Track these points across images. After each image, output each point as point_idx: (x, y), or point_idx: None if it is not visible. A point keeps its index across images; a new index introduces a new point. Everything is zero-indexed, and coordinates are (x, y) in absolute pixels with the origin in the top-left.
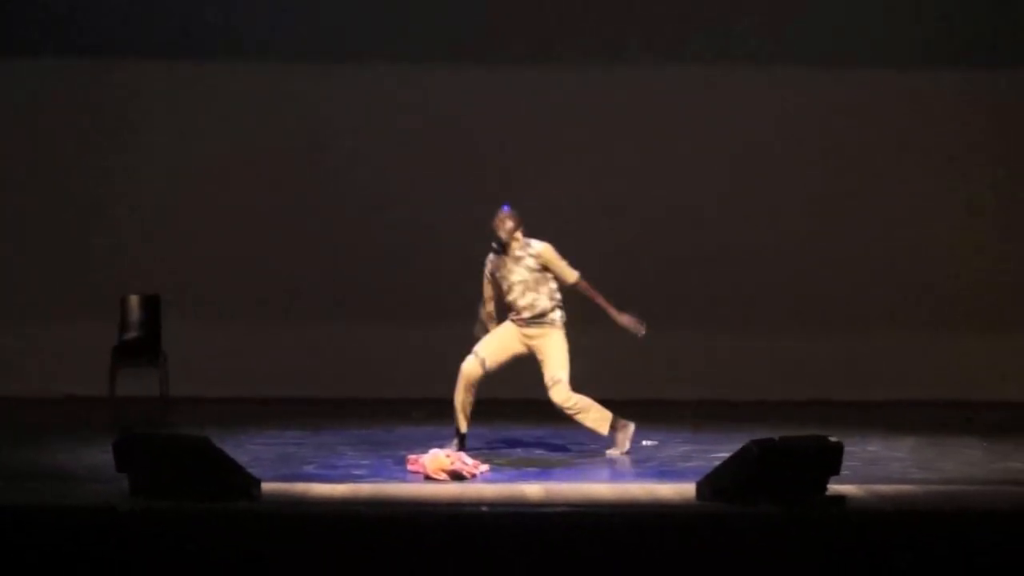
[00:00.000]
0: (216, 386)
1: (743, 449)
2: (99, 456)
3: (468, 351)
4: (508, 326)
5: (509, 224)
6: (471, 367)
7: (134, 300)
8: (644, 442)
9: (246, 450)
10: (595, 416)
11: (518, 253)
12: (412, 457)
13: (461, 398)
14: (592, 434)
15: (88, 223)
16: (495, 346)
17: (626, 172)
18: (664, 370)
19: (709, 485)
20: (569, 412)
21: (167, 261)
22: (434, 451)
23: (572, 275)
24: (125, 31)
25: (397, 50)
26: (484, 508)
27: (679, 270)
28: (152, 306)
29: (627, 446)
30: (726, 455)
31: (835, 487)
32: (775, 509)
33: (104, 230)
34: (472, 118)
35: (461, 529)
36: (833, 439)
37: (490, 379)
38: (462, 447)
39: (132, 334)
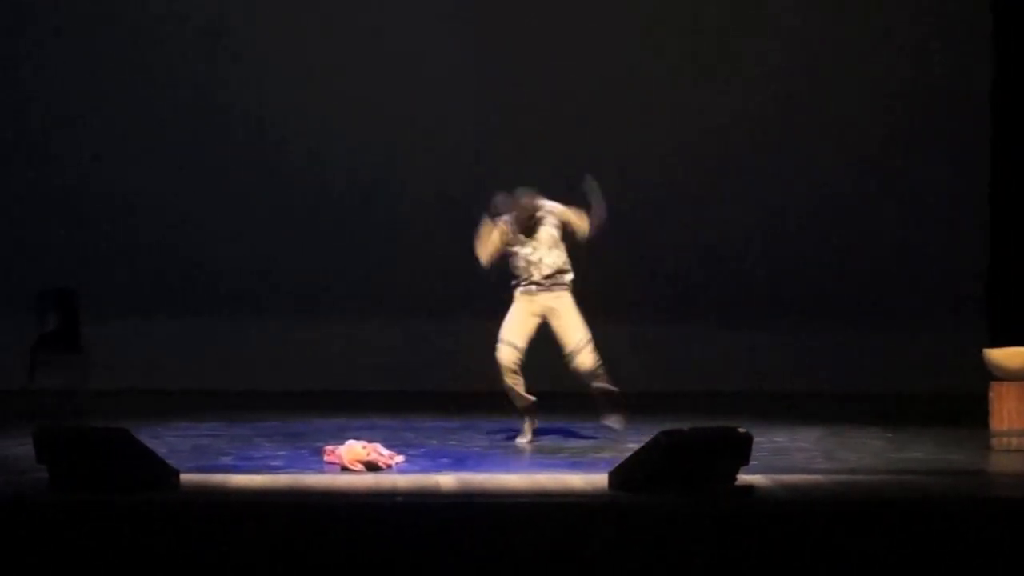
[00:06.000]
0: (132, 378)
1: (653, 440)
2: (18, 447)
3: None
4: (518, 305)
5: (531, 196)
6: (507, 355)
7: (52, 294)
8: (607, 424)
9: (163, 441)
10: (605, 381)
11: (540, 218)
12: (328, 448)
13: (511, 383)
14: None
15: (5, 217)
16: (517, 328)
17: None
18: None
19: (620, 475)
20: (598, 375)
21: (83, 254)
22: (350, 442)
23: (584, 222)
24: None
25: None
26: (399, 498)
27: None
28: (70, 299)
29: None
30: (637, 446)
31: (743, 477)
32: (685, 499)
33: (22, 224)
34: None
35: (376, 519)
36: (742, 430)
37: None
38: (535, 428)
39: (51, 327)
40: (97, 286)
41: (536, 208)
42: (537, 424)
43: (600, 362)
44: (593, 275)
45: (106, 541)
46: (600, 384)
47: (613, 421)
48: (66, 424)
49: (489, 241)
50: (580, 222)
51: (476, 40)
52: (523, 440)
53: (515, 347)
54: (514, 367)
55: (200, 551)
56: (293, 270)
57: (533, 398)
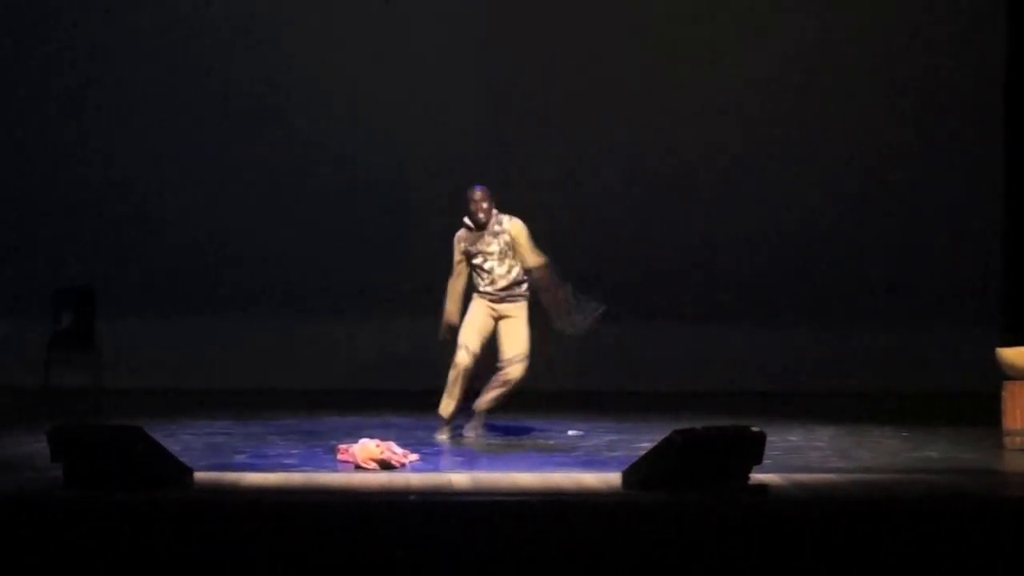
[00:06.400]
0: (147, 377)
1: (667, 439)
2: (33, 446)
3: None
4: (477, 304)
5: (486, 205)
6: (463, 361)
7: (67, 292)
8: (569, 432)
9: (177, 440)
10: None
11: (495, 228)
12: (342, 446)
13: (450, 387)
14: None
15: (21, 215)
16: (475, 332)
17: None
18: (585, 361)
19: (634, 474)
20: (512, 389)
21: (100, 253)
22: (364, 441)
23: (535, 259)
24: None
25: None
26: (412, 497)
27: (610, 256)
28: (86, 298)
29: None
30: (650, 445)
31: (757, 476)
32: (698, 498)
33: (37, 222)
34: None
35: (390, 517)
36: (755, 429)
37: (421, 367)
38: (451, 430)
39: (66, 326)
40: (112, 285)
41: (488, 215)
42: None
43: (521, 379)
44: (608, 274)
45: (120, 539)
46: (499, 397)
47: (470, 429)
48: (81, 422)
49: (456, 267)
50: (527, 254)
51: (481, 42)
52: (442, 436)
53: (473, 354)
54: (467, 374)
55: (214, 549)
56: (308, 268)
57: (453, 414)
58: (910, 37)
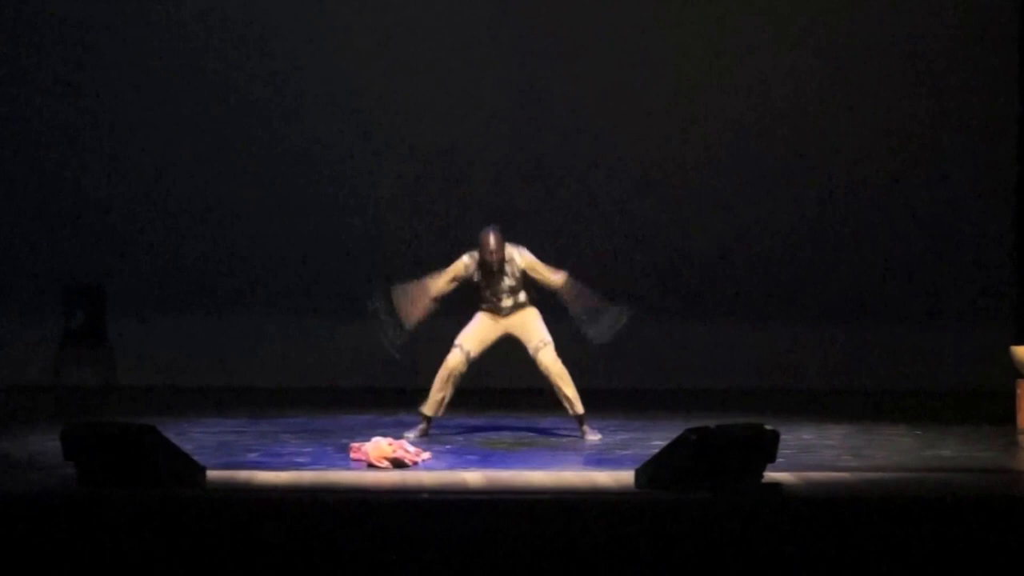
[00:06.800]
0: (159, 375)
1: (679, 437)
2: (45, 444)
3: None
4: (483, 316)
5: (499, 249)
6: (456, 360)
7: (78, 290)
8: (589, 437)
9: (189, 438)
10: (575, 391)
11: (507, 268)
12: (354, 445)
13: (440, 387)
14: (566, 412)
15: (32, 213)
16: (477, 337)
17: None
18: (596, 359)
19: (646, 472)
20: (556, 375)
21: (111, 251)
22: (376, 439)
23: (557, 277)
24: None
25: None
26: (425, 495)
27: (623, 256)
28: (97, 296)
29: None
30: (663, 443)
31: (770, 474)
32: (711, 496)
33: (48, 220)
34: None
35: (402, 516)
36: (769, 427)
37: (434, 366)
38: (426, 432)
39: (77, 324)
40: (124, 283)
41: (502, 258)
42: (427, 430)
43: (560, 363)
44: (622, 272)
45: (133, 537)
46: (569, 393)
47: (591, 433)
48: (93, 421)
49: (443, 283)
50: (547, 276)
51: (492, 45)
52: (411, 435)
53: (467, 354)
54: (456, 374)
55: (226, 547)
56: (321, 266)
57: (439, 415)
58: (923, 37)
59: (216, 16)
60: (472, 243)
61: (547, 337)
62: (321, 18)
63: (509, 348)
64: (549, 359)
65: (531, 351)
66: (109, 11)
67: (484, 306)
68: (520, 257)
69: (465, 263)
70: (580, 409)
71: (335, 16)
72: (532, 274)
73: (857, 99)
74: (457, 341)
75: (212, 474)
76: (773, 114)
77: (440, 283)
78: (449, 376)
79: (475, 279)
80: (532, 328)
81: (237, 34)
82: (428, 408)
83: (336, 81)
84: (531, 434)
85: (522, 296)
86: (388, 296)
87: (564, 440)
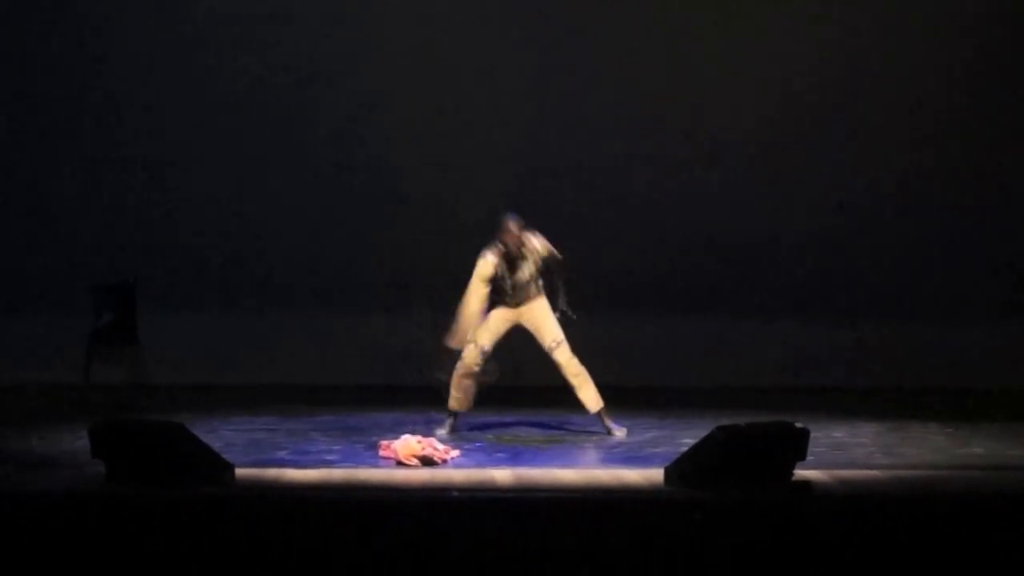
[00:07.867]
0: (188, 373)
1: (709, 435)
2: (75, 442)
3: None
4: (496, 310)
5: (521, 232)
6: (470, 356)
7: (107, 288)
8: (615, 433)
9: (219, 436)
10: (593, 389)
11: (525, 253)
12: (384, 443)
13: (458, 383)
14: (583, 409)
15: (63, 211)
16: (490, 330)
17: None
18: (626, 356)
19: (676, 470)
20: (572, 373)
21: (142, 249)
22: (405, 437)
23: (559, 257)
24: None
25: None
26: (455, 493)
27: (640, 253)
28: (127, 293)
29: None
30: (693, 441)
31: (801, 473)
32: (742, 494)
33: (79, 218)
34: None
35: (432, 514)
36: (799, 425)
37: None
38: (455, 428)
39: (107, 321)
40: (154, 281)
41: (523, 242)
42: (458, 424)
43: (575, 361)
44: (650, 270)
45: (161, 535)
46: (589, 391)
47: (616, 430)
48: (122, 418)
49: (480, 294)
50: (557, 254)
51: (505, 41)
52: (443, 431)
53: (482, 349)
54: (475, 369)
55: (254, 545)
56: (351, 265)
57: (464, 409)
58: (960, 27)
59: (246, 14)
60: (488, 240)
61: (560, 336)
62: (341, 16)
63: (538, 346)
64: (564, 357)
65: (546, 348)
66: (137, 8)
67: (502, 301)
68: (538, 244)
69: (491, 261)
70: (594, 407)
71: (357, 15)
72: (546, 254)
73: (887, 94)
74: (470, 337)
75: (241, 472)
76: (802, 108)
77: (479, 295)
78: (466, 372)
79: (499, 273)
80: (545, 326)
81: (264, 33)
82: (453, 404)
83: (359, 81)
84: (561, 432)
85: (532, 286)
86: (449, 355)
87: (594, 438)
